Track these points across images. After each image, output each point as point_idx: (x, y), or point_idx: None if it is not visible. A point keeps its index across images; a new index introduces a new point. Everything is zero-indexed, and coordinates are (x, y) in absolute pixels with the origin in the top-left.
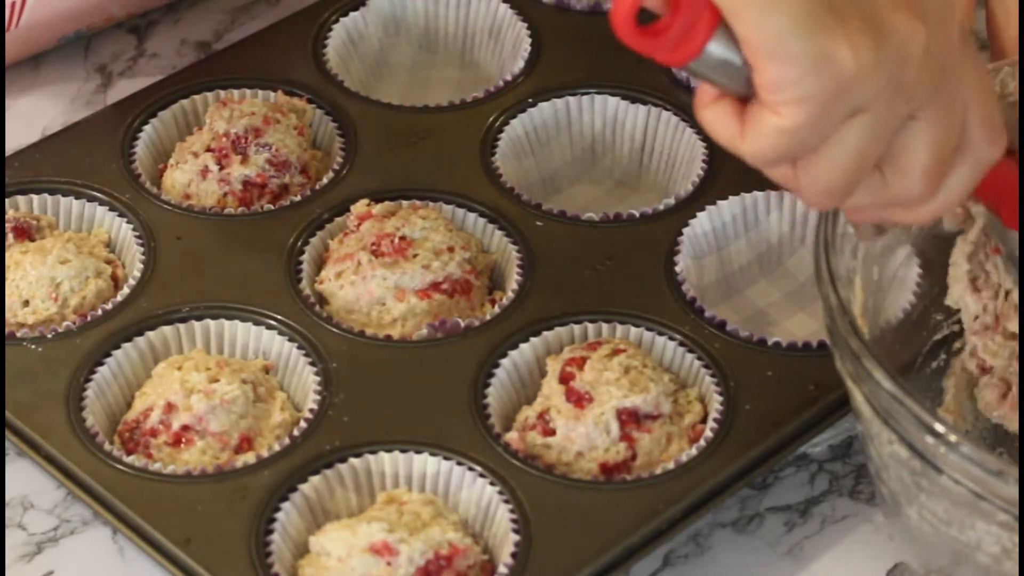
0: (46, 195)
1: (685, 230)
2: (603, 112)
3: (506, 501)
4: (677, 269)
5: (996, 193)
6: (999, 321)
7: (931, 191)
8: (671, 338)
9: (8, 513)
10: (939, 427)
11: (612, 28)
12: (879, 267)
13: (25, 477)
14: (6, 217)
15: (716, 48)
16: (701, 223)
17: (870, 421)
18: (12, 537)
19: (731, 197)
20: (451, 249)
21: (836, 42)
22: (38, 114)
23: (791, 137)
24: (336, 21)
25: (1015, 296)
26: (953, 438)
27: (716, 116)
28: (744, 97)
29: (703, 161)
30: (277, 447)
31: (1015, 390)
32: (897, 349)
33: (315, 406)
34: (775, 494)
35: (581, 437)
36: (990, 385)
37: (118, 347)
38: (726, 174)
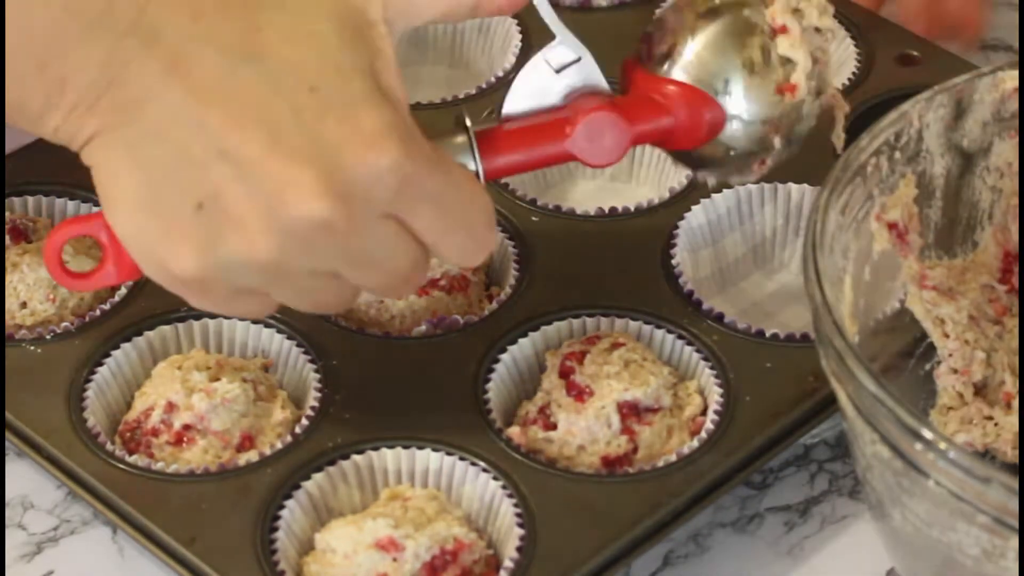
0: (41, 197)
1: (680, 223)
2: None
3: (509, 496)
4: (674, 262)
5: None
6: (968, 370)
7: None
8: (669, 331)
9: (8, 513)
10: (920, 430)
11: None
12: (871, 268)
13: (25, 477)
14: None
15: None
16: (696, 216)
17: (854, 420)
18: (12, 537)
19: (725, 191)
20: None
21: (166, 249)
22: None
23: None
24: None
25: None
26: (940, 444)
27: None
28: None
29: None
30: (279, 445)
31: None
32: (891, 348)
33: (316, 404)
34: (775, 494)
35: (582, 431)
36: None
37: (117, 347)
38: None
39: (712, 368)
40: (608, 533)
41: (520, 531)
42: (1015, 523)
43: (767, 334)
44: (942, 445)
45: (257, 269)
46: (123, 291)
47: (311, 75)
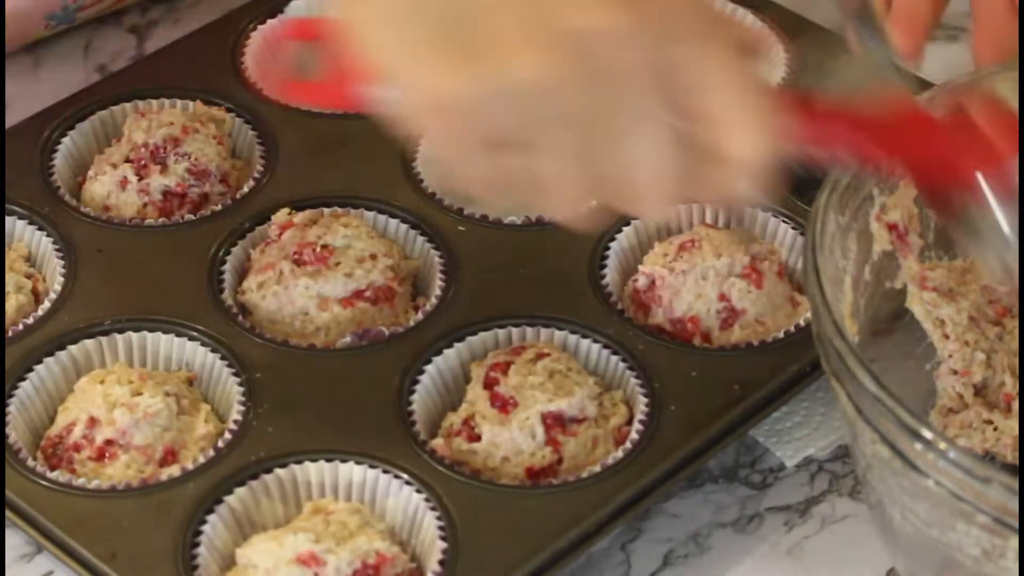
0: None
1: (612, 244)
2: None
3: (432, 508)
4: (604, 282)
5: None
6: (968, 371)
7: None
8: (595, 340)
9: (8, 513)
10: (920, 430)
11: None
12: (871, 268)
13: None
14: None
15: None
16: (627, 237)
17: (854, 421)
18: (12, 537)
19: None
20: (373, 256)
21: (438, 60)
22: None
23: (452, 144)
24: (254, 29)
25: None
26: (940, 444)
27: None
28: None
29: None
30: (202, 459)
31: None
32: (891, 349)
33: (239, 417)
34: (775, 494)
35: (507, 442)
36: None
37: (40, 362)
38: None
39: (638, 377)
40: (532, 545)
41: (443, 544)
42: (1015, 523)
43: (693, 343)
44: (942, 445)
45: (533, 87)
46: (46, 305)
47: None
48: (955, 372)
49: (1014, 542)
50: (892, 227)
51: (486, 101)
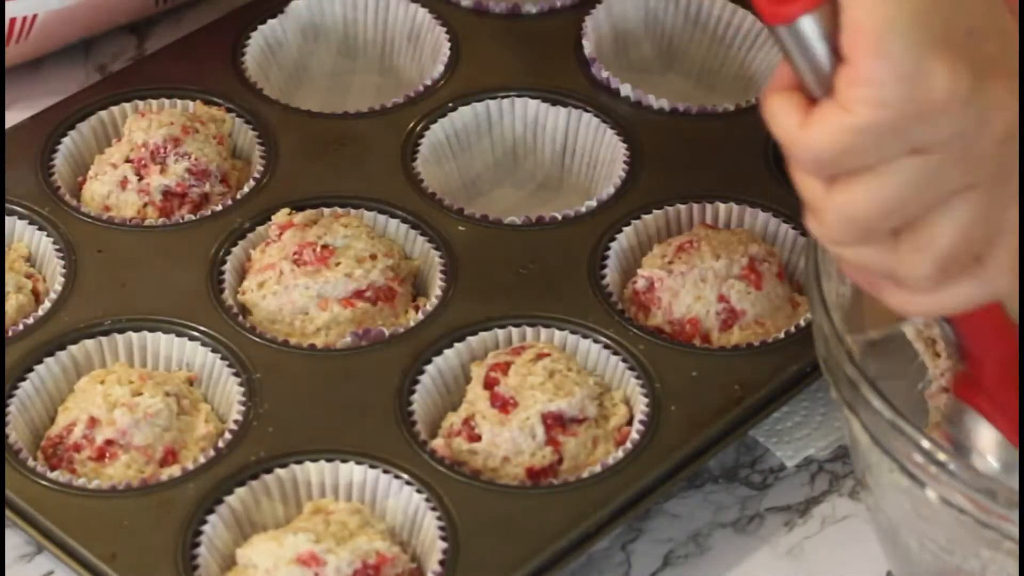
0: None
1: (612, 244)
2: (524, 115)
3: (433, 508)
4: (604, 282)
5: (978, 337)
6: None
7: (934, 283)
8: (596, 341)
9: (8, 513)
10: (944, 457)
11: None
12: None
13: None
14: None
15: (813, 23)
16: (627, 237)
17: (868, 450)
18: (12, 537)
19: (655, 211)
20: (373, 256)
21: (938, 62)
22: None
23: (854, 138)
24: (254, 29)
25: None
26: (969, 473)
27: (783, 102)
28: (813, 98)
29: (624, 162)
30: (202, 459)
31: None
32: (881, 370)
33: (240, 417)
34: (775, 494)
35: (507, 442)
36: None
37: (40, 362)
38: (647, 175)
39: (638, 377)
40: (532, 546)
41: (443, 544)
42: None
43: (694, 343)
44: (966, 471)
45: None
46: (46, 305)
47: None
48: (947, 390)
49: None
50: None
51: (965, 96)
